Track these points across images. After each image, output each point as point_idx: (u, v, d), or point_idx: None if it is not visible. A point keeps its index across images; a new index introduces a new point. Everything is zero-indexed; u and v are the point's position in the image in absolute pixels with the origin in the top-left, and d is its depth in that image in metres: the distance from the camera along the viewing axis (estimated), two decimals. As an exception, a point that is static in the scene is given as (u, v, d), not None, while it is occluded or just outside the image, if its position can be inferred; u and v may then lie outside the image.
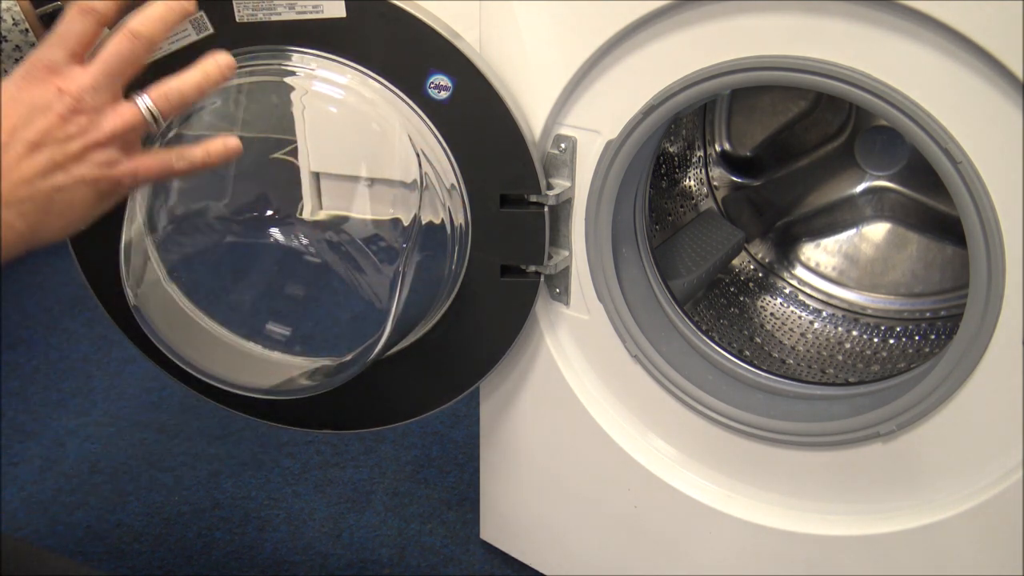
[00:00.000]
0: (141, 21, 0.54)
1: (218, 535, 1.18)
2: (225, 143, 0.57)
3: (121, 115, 0.53)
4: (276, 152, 0.84)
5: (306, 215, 0.85)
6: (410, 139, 0.79)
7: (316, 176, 0.85)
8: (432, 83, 0.78)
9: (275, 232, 0.84)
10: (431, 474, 1.29)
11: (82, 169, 0.51)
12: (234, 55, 0.80)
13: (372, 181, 0.83)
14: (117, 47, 0.53)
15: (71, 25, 0.52)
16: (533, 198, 0.81)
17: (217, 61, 0.57)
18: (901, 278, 1.07)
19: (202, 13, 0.79)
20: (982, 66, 0.60)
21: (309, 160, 0.84)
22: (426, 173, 0.79)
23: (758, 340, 1.03)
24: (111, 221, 0.86)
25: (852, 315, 1.08)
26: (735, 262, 1.15)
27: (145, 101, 0.54)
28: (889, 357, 0.99)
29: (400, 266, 0.78)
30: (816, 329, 1.07)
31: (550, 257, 0.85)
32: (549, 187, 0.81)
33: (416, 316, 0.86)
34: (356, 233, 0.84)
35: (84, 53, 0.52)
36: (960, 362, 0.69)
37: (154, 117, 0.54)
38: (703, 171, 1.15)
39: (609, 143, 0.78)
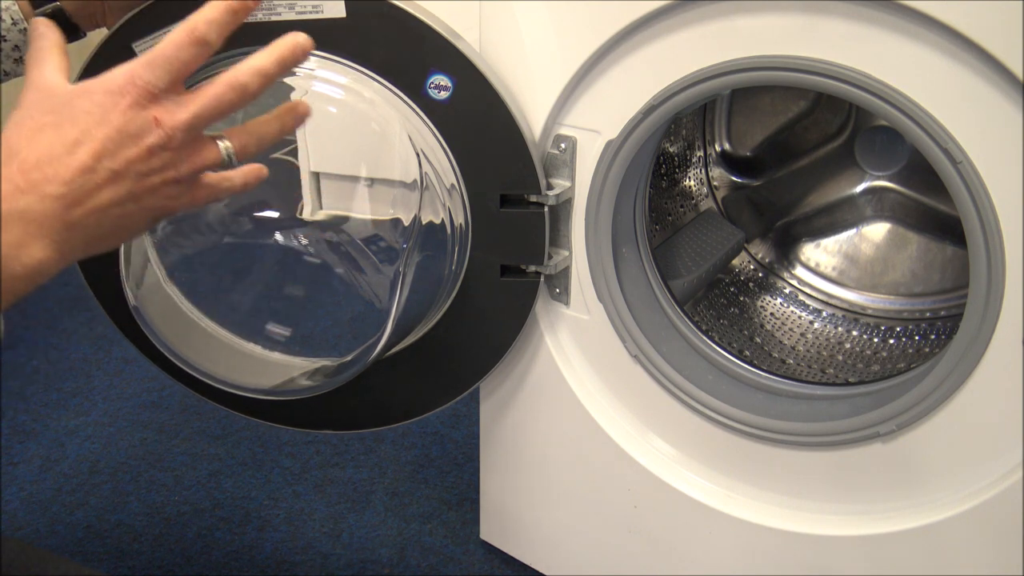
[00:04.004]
0: (250, 74, 0.52)
1: (218, 535, 1.18)
2: (258, 171, 0.56)
3: (203, 158, 0.52)
4: (276, 152, 0.84)
5: (306, 215, 0.85)
6: (410, 139, 0.79)
7: (316, 176, 0.85)
8: (432, 83, 0.78)
9: (275, 232, 0.84)
10: (431, 474, 1.29)
11: (152, 201, 0.50)
12: (234, 55, 0.81)
13: (372, 181, 0.83)
14: (221, 94, 0.51)
15: (180, 52, 0.49)
16: (533, 198, 0.81)
17: (295, 110, 0.56)
18: (901, 278, 1.07)
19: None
20: (982, 66, 0.60)
21: (309, 160, 0.84)
22: (426, 173, 0.79)
23: (758, 340, 1.03)
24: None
25: (852, 315, 1.08)
26: (735, 262, 1.15)
27: (227, 146, 0.53)
28: (889, 357, 0.99)
29: (400, 266, 0.78)
30: (816, 329, 1.07)
31: (550, 257, 0.85)
32: (549, 187, 0.81)
33: (416, 316, 0.86)
34: (356, 233, 0.84)
35: (183, 81, 0.50)
36: (960, 362, 0.69)
37: (230, 159, 0.53)
38: (703, 171, 1.15)
39: (609, 143, 0.78)
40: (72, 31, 0.78)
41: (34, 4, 0.75)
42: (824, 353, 1.02)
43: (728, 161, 1.15)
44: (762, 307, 1.10)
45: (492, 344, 0.89)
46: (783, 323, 1.08)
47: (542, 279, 0.86)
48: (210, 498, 1.24)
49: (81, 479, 1.28)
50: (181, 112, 0.50)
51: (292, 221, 0.85)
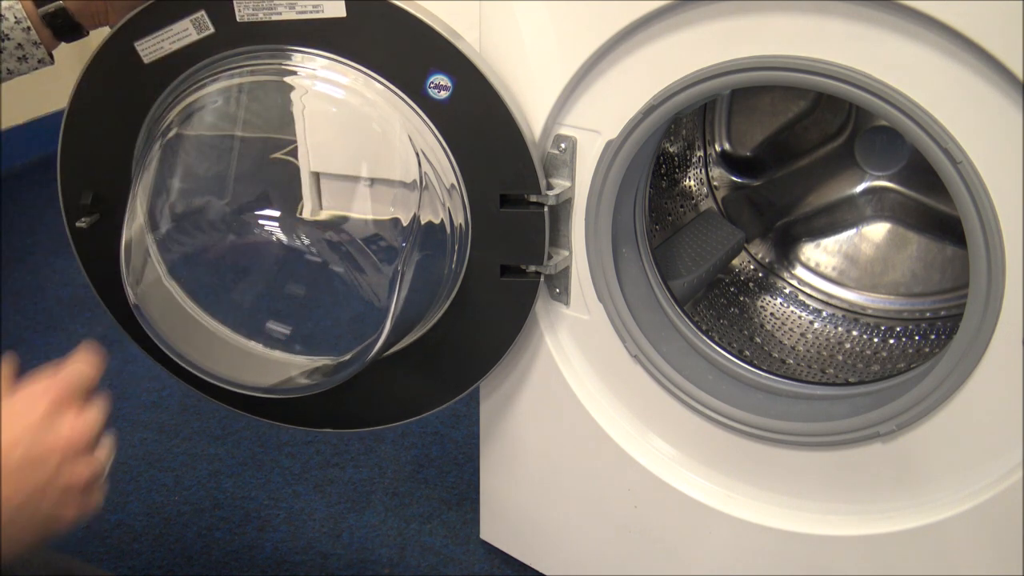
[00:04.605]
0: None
1: (218, 535, 1.18)
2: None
3: (95, 464, 0.56)
4: (276, 152, 0.84)
5: (306, 215, 0.85)
6: (410, 139, 0.79)
7: (316, 176, 0.85)
8: (432, 83, 0.78)
9: (275, 231, 0.84)
10: (431, 474, 1.29)
11: (49, 507, 0.53)
12: (235, 55, 0.81)
13: (372, 181, 0.83)
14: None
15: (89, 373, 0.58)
16: (533, 198, 0.81)
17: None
18: (901, 278, 1.07)
19: (203, 13, 0.79)
20: (982, 66, 0.60)
21: (309, 160, 0.84)
22: (426, 173, 0.79)
23: (758, 340, 1.03)
24: (112, 220, 0.86)
25: (852, 315, 1.08)
26: (735, 262, 1.15)
27: (105, 454, 0.57)
28: (889, 357, 0.99)
29: (399, 265, 0.78)
30: (816, 329, 1.07)
31: (550, 257, 0.85)
32: (549, 187, 0.81)
33: (416, 316, 0.86)
34: (356, 233, 0.84)
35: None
36: (960, 362, 0.69)
37: (102, 469, 0.57)
38: (703, 171, 1.15)
39: (609, 143, 0.78)
40: (75, 30, 0.78)
41: (37, 3, 0.75)
42: (824, 353, 1.02)
43: (728, 161, 1.15)
44: (762, 307, 1.10)
45: (492, 344, 0.89)
46: (783, 323, 1.08)
47: (542, 279, 0.86)
48: (210, 498, 1.24)
49: (81, 479, 1.28)
50: (86, 423, 0.55)
51: (292, 221, 0.85)
